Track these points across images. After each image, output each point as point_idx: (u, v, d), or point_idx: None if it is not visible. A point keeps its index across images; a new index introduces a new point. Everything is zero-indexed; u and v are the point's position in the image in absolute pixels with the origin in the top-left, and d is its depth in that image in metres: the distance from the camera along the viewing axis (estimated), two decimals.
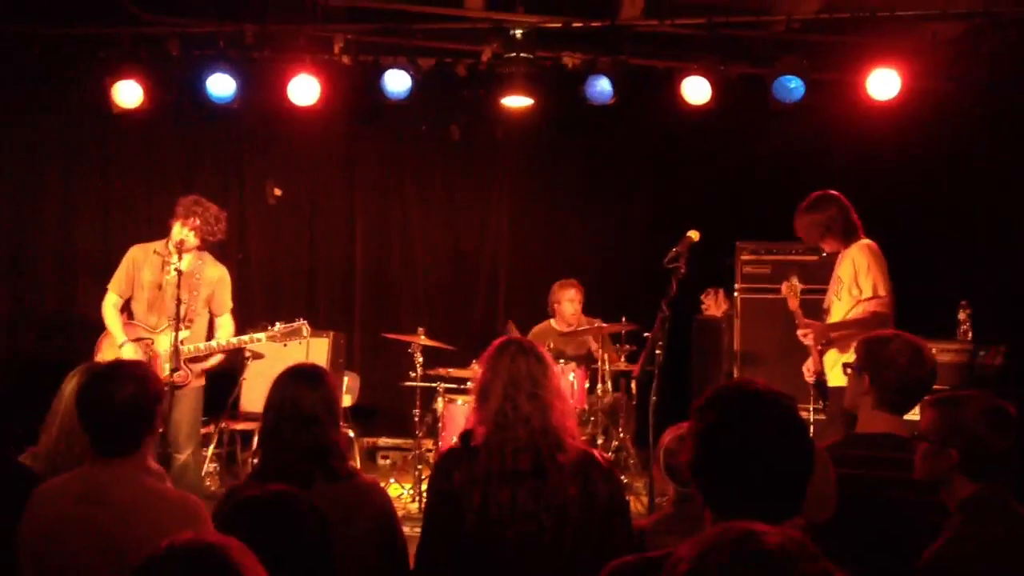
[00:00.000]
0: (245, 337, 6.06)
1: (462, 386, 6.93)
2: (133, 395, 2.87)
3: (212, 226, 5.99)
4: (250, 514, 2.05)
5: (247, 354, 6.92)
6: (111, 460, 2.85)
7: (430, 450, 7.20)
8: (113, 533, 2.71)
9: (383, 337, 7.47)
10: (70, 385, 3.33)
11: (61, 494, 2.80)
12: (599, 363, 6.90)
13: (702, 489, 2.04)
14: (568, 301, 7.41)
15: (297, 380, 3.21)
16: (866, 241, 5.46)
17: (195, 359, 5.94)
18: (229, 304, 6.19)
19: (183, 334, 5.73)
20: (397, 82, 6.95)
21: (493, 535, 3.04)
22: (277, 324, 6.02)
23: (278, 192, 8.59)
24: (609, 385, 6.89)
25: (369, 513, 3.12)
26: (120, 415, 2.85)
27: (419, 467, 6.86)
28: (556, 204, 8.95)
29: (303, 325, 6.03)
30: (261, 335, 6.01)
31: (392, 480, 7.34)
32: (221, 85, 6.98)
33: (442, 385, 6.93)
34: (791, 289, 5.66)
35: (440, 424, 6.80)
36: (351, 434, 7.54)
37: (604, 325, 7.02)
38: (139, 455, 2.90)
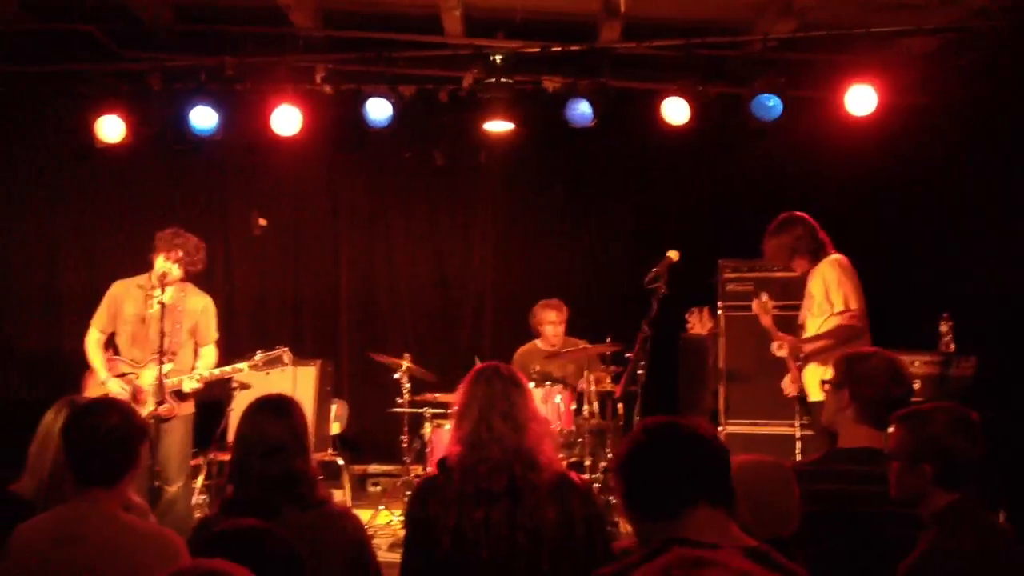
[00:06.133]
0: (227, 368, 6.05)
1: (449, 411, 6.91)
2: (118, 425, 2.90)
3: (193, 256, 6.01)
4: (220, 550, 2.06)
5: (234, 385, 6.90)
6: (92, 492, 2.86)
7: (419, 476, 7.18)
8: (91, 570, 2.70)
9: (370, 364, 7.45)
10: (57, 422, 3.31)
11: (40, 532, 2.80)
12: (584, 384, 6.89)
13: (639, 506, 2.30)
14: (549, 323, 7.39)
15: (262, 411, 3.22)
16: (836, 256, 5.50)
17: (180, 391, 5.91)
18: (214, 335, 6.18)
19: (167, 367, 5.73)
20: (379, 110, 6.97)
21: (468, 555, 3.06)
22: (259, 353, 6.01)
23: (263, 222, 8.58)
24: (596, 406, 6.88)
25: (341, 540, 3.11)
26: (105, 443, 2.87)
27: (408, 493, 6.84)
28: (540, 227, 8.96)
29: (284, 352, 6.02)
30: (243, 364, 6.00)
31: (382, 507, 7.32)
32: (203, 118, 7.01)
33: (429, 411, 6.92)
34: (762, 306, 5.70)
35: (428, 449, 6.80)
36: (340, 461, 7.53)
37: (589, 346, 7.02)
38: (119, 489, 2.91)
